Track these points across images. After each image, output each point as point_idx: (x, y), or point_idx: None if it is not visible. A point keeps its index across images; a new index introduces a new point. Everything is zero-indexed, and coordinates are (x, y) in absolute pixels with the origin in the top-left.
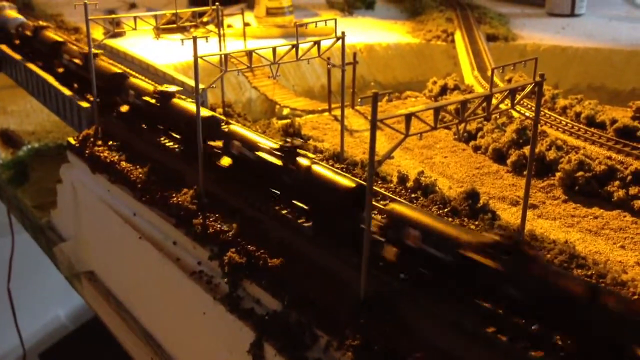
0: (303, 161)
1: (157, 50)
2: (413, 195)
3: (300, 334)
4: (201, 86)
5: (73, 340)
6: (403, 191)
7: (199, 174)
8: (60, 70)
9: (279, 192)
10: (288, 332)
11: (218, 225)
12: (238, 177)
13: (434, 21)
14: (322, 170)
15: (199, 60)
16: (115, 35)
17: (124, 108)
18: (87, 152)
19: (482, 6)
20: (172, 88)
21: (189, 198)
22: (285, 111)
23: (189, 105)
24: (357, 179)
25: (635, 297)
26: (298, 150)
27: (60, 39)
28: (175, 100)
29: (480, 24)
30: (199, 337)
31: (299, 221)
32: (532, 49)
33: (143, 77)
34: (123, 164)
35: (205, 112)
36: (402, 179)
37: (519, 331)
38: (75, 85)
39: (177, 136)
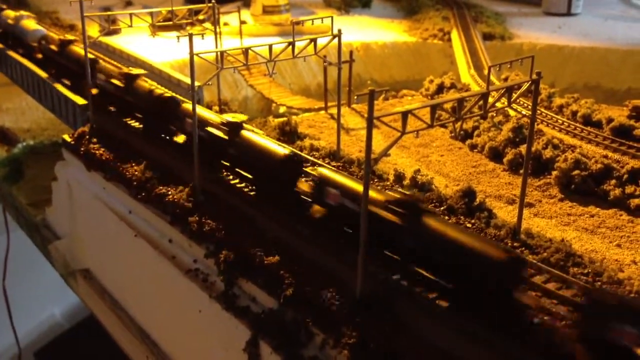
0: (430, 220)
1: (153, 48)
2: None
3: (296, 332)
4: (197, 84)
5: (68, 339)
6: (400, 189)
7: (195, 170)
8: (94, 91)
9: (397, 257)
10: (284, 330)
11: (214, 223)
12: (334, 230)
13: (431, 20)
14: (461, 233)
15: (195, 57)
16: (111, 32)
17: (180, 139)
18: (82, 149)
19: (479, 5)
20: (239, 118)
21: (184, 196)
22: (282, 109)
23: (262, 140)
24: (508, 247)
25: (632, 295)
26: (421, 206)
27: (91, 56)
28: (245, 134)
29: (477, 23)
30: (195, 335)
31: (436, 301)
32: (528, 48)
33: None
34: (118, 161)
35: (283, 150)
36: (399, 177)
37: None
38: (112, 109)
39: (249, 175)
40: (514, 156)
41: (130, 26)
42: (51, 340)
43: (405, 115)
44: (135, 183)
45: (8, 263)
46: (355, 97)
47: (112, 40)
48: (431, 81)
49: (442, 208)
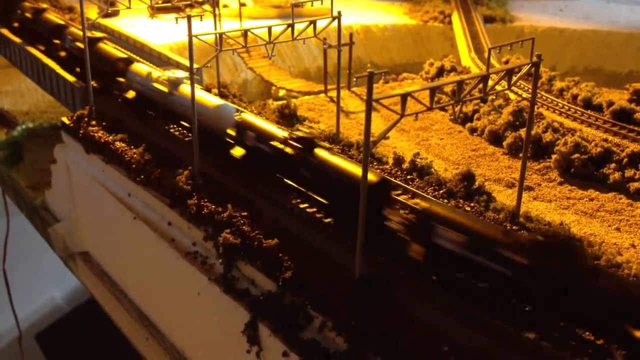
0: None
1: (152, 30)
2: (409, 177)
3: (295, 315)
4: (196, 66)
5: (69, 321)
6: (399, 172)
7: (194, 153)
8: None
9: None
10: (283, 312)
11: (213, 206)
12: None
13: (431, 2)
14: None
15: (194, 40)
16: (110, 14)
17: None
18: (81, 132)
19: None
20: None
21: (183, 178)
22: (281, 92)
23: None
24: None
25: (631, 278)
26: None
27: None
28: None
29: (478, 6)
30: (194, 317)
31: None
32: (529, 31)
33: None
34: (117, 144)
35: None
36: (398, 160)
37: None
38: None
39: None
40: (514, 139)
41: (129, 8)
42: (52, 323)
43: (404, 97)
44: (134, 166)
45: (8, 246)
46: (355, 80)
47: (111, 22)
48: (431, 64)
49: (441, 191)
